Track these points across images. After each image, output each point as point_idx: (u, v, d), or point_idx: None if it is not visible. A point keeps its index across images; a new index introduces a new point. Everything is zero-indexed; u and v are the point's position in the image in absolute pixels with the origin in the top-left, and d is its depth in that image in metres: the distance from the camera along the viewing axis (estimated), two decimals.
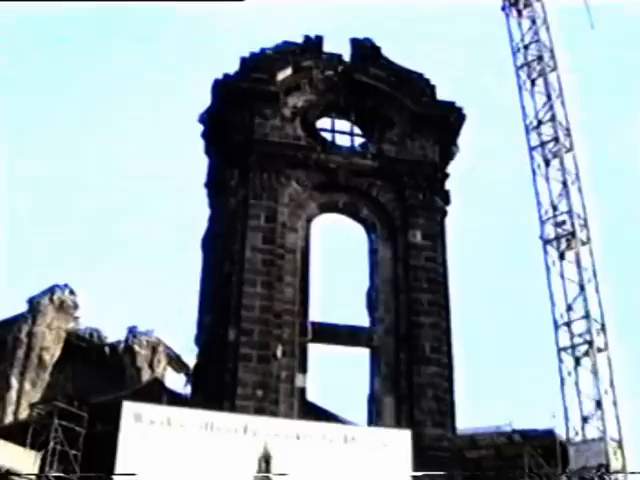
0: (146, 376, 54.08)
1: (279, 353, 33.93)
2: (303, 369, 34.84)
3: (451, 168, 42.72)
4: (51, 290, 56.79)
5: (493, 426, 46.93)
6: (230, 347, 33.83)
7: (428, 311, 37.60)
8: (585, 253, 43.95)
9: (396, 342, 36.78)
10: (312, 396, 35.63)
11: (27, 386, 53.04)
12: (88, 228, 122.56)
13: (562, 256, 44.31)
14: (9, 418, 50.36)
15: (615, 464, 40.98)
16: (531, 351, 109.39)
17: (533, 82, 45.64)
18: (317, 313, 36.75)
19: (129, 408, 23.05)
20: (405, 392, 35.86)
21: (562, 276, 44.78)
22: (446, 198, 41.30)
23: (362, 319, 38.15)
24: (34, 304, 55.79)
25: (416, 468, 24.31)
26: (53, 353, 54.84)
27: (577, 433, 42.66)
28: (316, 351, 36.11)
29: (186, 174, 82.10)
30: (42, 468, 31.68)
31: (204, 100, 41.97)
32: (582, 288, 44.00)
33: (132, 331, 58.50)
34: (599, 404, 42.16)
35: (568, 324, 43.98)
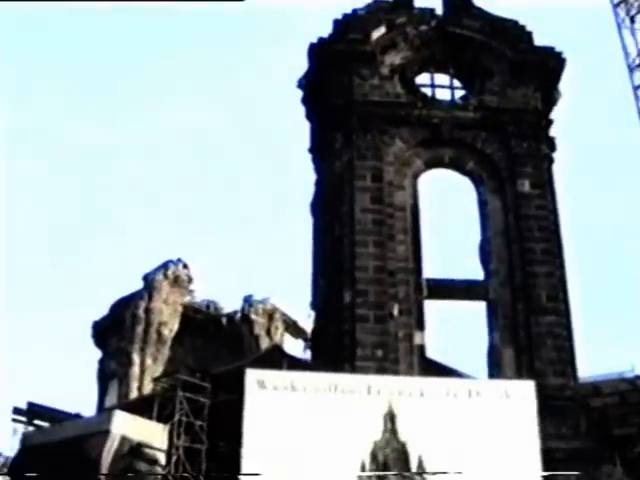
0: (264, 344, 54.71)
1: (395, 312, 33.91)
2: (420, 326, 34.78)
3: (555, 114, 42.05)
4: (165, 266, 57.76)
5: (616, 373, 46.30)
6: (346, 309, 33.94)
7: (542, 260, 37.18)
8: None
9: (512, 293, 36.48)
10: (431, 353, 35.58)
11: (148, 361, 54.11)
12: (196, 202, 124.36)
13: None
14: (134, 394, 51.47)
15: None
16: None
17: (632, 19, 44.66)
18: (431, 269, 36.62)
19: (252, 375, 23.30)
20: (524, 343, 35.58)
21: None
22: (552, 145, 40.70)
23: (476, 272, 37.90)
24: (149, 281, 56.82)
25: (540, 419, 24.09)
26: (171, 327, 55.83)
27: None
28: (432, 307, 36.04)
29: (289, 138, 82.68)
30: (170, 440, 32.33)
31: (302, 67, 42.02)
32: None
33: (248, 300, 59.18)
34: None
35: None
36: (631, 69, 45.05)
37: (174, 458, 32.37)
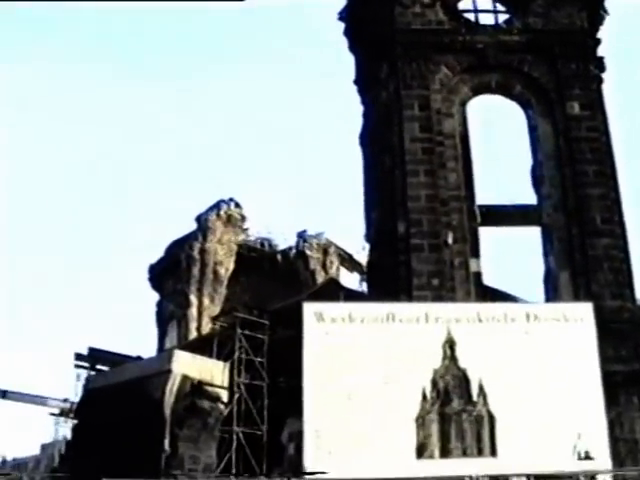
0: (320, 279, 54.91)
1: (450, 240, 33.80)
2: (476, 254, 34.65)
3: (602, 33, 41.29)
4: (217, 206, 58.03)
5: None
6: (400, 240, 33.88)
7: (595, 182, 36.79)
8: None
9: (566, 217, 36.18)
10: (487, 280, 35.54)
11: (206, 301, 54.60)
12: (246, 141, 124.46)
13: None
14: (192, 334, 52.06)
15: None
16: None
17: None
18: (483, 196, 36.44)
19: (309, 308, 23.35)
20: (580, 266, 35.36)
21: None
22: (600, 65, 39.96)
23: (529, 197, 37.66)
24: (202, 221, 57.12)
25: (599, 341, 24.01)
26: (227, 267, 56.22)
27: None
28: (487, 234, 35.93)
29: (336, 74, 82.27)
30: (231, 378, 32.69)
31: None
32: None
33: (302, 236, 59.35)
34: None
35: None
36: None
37: (236, 395, 32.81)
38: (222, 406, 32.50)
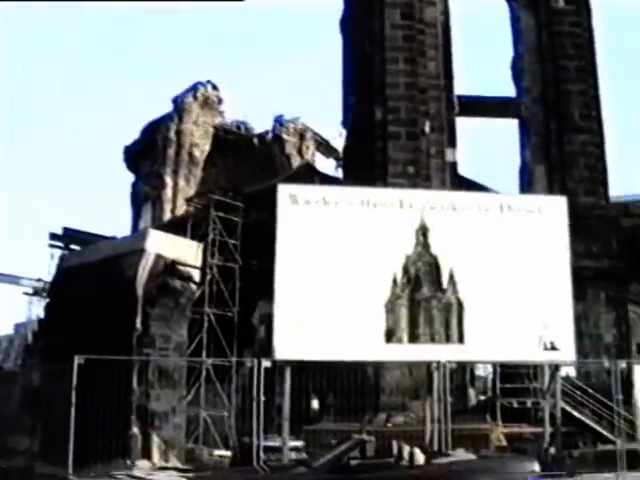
0: (296, 163, 54.80)
1: (427, 129, 33.71)
2: (452, 143, 34.63)
3: None
4: (194, 87, 57.34)
5: None
6: (378, 126, 33.78)
7: (575, 78, 36.67)
8: None
9: (545, 111, 36.16)
10: (463, 170, 35.57)
11: (181, 183, 54.38)
12: (224, 23, 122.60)
13: None
14: (167, 216, 51.97)
15: None
16: None
17: None
18: (463, 86, 36.23)
19: (284, 190, 23.20)
20: (556, 161, 35.48)
21: None
22: None
23: (509, 90, 37.52)
24: (179, 103, 56.52)
25: (571, 237, 24.11)
26: (203, 149, 55.86)
27: None
28: (464, 125, 35.85)
29: None
30: (204, 259, 32.75)
31: None
32: None
33: (279, 120, 58.94)
34: None
35: None
36: None
37: (208, 277, 32.90)
38: (194, 286, 32.52)
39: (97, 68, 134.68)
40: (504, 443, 27.24)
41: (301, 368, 24.96)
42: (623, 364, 24.02)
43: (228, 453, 26.19)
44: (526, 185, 35.53)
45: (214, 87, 57.98)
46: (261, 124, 58.64)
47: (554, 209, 24.40)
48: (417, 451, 16.27)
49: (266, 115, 58.90)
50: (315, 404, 32.24)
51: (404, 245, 22.68)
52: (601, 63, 37.96)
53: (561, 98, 36.20)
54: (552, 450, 22.90)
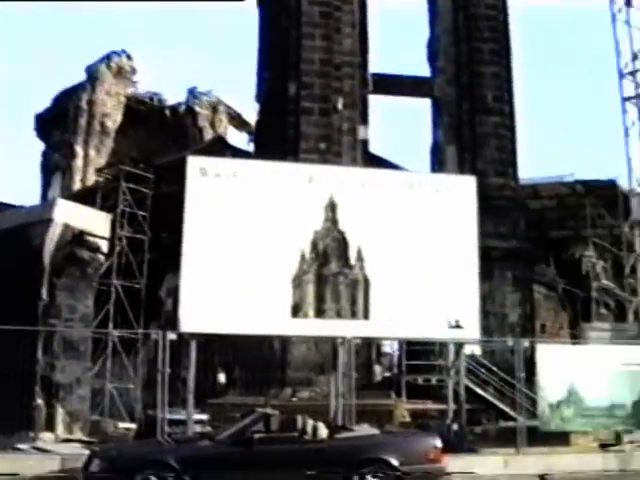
0: (208, 136, 54.54)
1: (340, 105, 33.77)
2: (364, 121, 34.75)
3: None
4: (108, 57, 56.55)
5: (556, 176, 46.97)
6: (291, 101, 33.75)
7: (489, 60, 37.06)
8: None
9: (458, 92, 36.46)
10: (374, 148, 35.73)
11: (92, 153, 53.71)
12: None
13: (629, 3, 43.04)
14: (77, 186, 51.34)
15: None
16: (595, 102, 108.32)
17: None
18: (377, 64, 36.34)
19: (194, 163, 22.98)
20: (468, 142, 35.83)
21: (628, 23, 43.62)
22: None
23: (423, 70, 37.73)
24: (92, 72, 55.70)
25: (479, 217, 24.33)
26: (115, 119, 55.20)
27: None
28: (377, 103, 35.99)
29: None
30: (113, 231, 32.42)
31: None
32: None
33: (192, 92, 58.54)
34: None
35: (633, 73, 43.20)
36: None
37: (117, 248, 32.63)
38: (102, 257, 32.21)
39: (13, 34, 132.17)
40: (408, 419, 27.58)
41: (208, 341, 24.94)
42: (526, 343, 24.35)
43: (133, 426, 26.06)
44: (437, 165, 35.82)
45: (128, 57, 57.25)
46: (174, 96, 58.24)
47: (463, 189, 24.57)
48: (321, 426, 16.30)
49: (180, 85, 58.49)
50: (221, 378, 32.26)
51: (313, 220, 22.65)
52: (515, 47, 38.39)
53: (474, 80, 36.54)
54: (455, 426, 23.17)
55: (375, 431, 17.43)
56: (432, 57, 37.69)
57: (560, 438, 22.77)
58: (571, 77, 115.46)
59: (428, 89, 37.16)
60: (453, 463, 17.61)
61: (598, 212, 46.94)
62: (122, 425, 27.20)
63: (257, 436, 15.57)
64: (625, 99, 43.38)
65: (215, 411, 25.88)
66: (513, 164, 36.66)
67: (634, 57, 43.08)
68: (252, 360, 29.54)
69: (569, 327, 43.73)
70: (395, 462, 15.39)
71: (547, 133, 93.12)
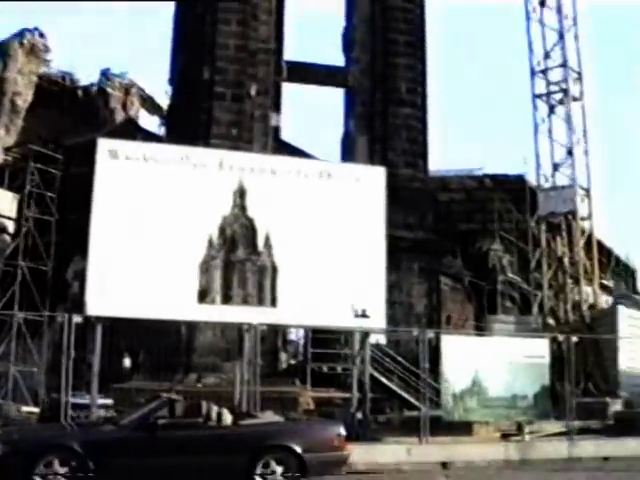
0: (119, 118, 53.88)
1: (253, 92, 33.66)
2: (277, 108, 34.76)
3: None
4: (20, 34, 55.37)
5: (465, 169, 47.52)
6: (204, 86, 33.55)
7: (404, 52, 37.24)
8: None
9: (372, 82, 36.58)
10: (286, 135, 35.78)
11: (1, 132, 52.64)
12: None
13: (543, 3, 43.72)
14: None
15: (582, 211, 41.92)
16: (507, 98, 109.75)
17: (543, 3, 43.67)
18: (292, 52, 36.33)
19: (104, 145, 22.75)
20: (379, 133, 35.99)
21: (542, 23, 44.32)
22: None
23: (338, 59, 37.79)
24: (3, 49, 54.57)
25: (389, 207, 24.51)
26: (25, 98, 54.08)
27: (547, 180, 43.43)
28: (291, 90, 36.01)
29: None
30: (20, 211, 31.96)
31: None
32: (561, 36, 43.70)
33: (105, 73, 57.69)
34: (570, 152, 42.67)
35: (545, 71, 43.93)
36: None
37: (24, 229, 32.16)
38: (8, 238, 31.86)
39: None
40: (312, 407, 27.70)
41: (113, 325, 24.74)
42: (431, 334, 24.59)
43: (37, 409, 25.73)
44: (348, 154, 35.90)
45: (41, 35, 56.11)
46: (87, 76, 57.37)
47: (373, 179, 24.74)
48: (225, 412, 16.27)
49: (93, 66, 57.68)
50: (126, 362, 32.05)
51: (222, 206, 22.62)
52: (430, 40, 38.64)
53: (389, 71, 36.73)
54: (359, 415, 23.36)
55: (279, 418, 17.46)
56: (347, 47, 37.74)
57: (463, 428, 23.06)
58: (486, 72, 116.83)
59: (342, 79, 37.22)
60: (356, 451, 17.76)
61: (506, 206, 47.62)
62: (25, 409, 26.78)
63: (161, 421, 15.50)
64: (536, 96, 44.15)
65: (120, 396, 25.71)
66: (423, 156, 36.94)
67: (546, 55, 43.85)
68: (158, 345, 29.41)
69: (474, 319, 44.35)
70: (299, 449, 15.43)
71: (459, 127, 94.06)
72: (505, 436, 23.53)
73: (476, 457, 21.11)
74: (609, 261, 49.82)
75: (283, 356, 34.54)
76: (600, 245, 45.47)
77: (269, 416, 17.57)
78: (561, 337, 26.61)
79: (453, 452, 21.07)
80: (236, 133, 32.58)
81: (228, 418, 16.21)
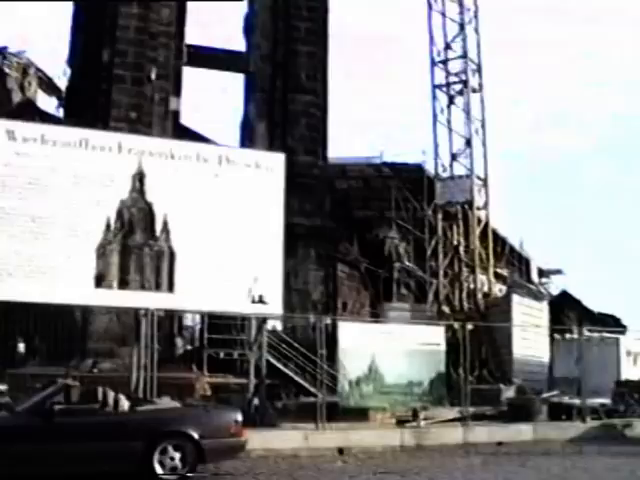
0: (17, 99, 52.78)
1: (153, 75, 33.25)
2: (177, 92, 34.42)
3: None
4: None
5: (363, 157, 47.81)
6: (104, 68, 33.06)
7: (306, 39, 37.20)
8: None
9: (272, 69, 36.52)
10: (186, 120, 35.51)
11: None
12: None
13: None
14: None
15: (479, 200, 42.70)
16: (407, 88, 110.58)
17: None
18: (194, 36, 35.99)
19: (1, 126, 22.24)
20: (279, 119, 35.97)
21: (443, 14, 44.89)
22: None
23: (239, 44, 37.60)
24: None
25: (286, 194, 24.55)
26: None
27: (445, 169, 44.18)
28: (191, 75, 35.72)
29: None
30: None
31: None
32: (462, 27, 44.34)
33: (2, 52, 56.46)
34: (469, 143, 43.45)
35: (445, 62, 44.56)
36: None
37: None
38: None
39: None
40: (209, 393, 27.64)
41: (7, 310, 24.34)
42: (328, 320, 24.80)
43: None
44: (247, 140, 35.77)
45: None
46: None
47: (272, 165, 24.73)
48: (122, 398, 16.15)
49: None
50: (21, 347, 31.57)
51: (120, 190, 22.33)
52: (332, 27, 38.64)
53: (290, 57, 36.67)
54: (256, 401, 23.37)
55: (176, 404, 17.41)
56: (248, 32, 37.57)
57: (359, 414, 23.36)
58: (390, 61, 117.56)
59: (243, 64, 37.04)
60: (254, 437, 17.81)
61: (403, 195, 48.11)
62: None
63: (57, 407, 15.29)
64: (436, 86, 44.82)
65: (14, 381, 25.22)
66: (323, 143, 37.02)
67: (447, 47, 44.49)
68: (53, 330, 28.98)
69: (370, 306, 44.81)
70: (196, 435, 15.39)
71: (361, 115, 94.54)
72: (401, 422, 23.84)
73: (372, 443, 21.40)
74: (504, 250, 50.76)
75: (179, 342, 34.39)
76: (495, 234, 46.38)
77: (166, 402, 17.52)
78: (457, 325, 27.06)
79: (350, 438, 21.33)
80: (135, 116, 32.20)
81: (125, 404, 16.08)
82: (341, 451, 20.53)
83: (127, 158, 22.53)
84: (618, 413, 27.40)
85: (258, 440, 18.70)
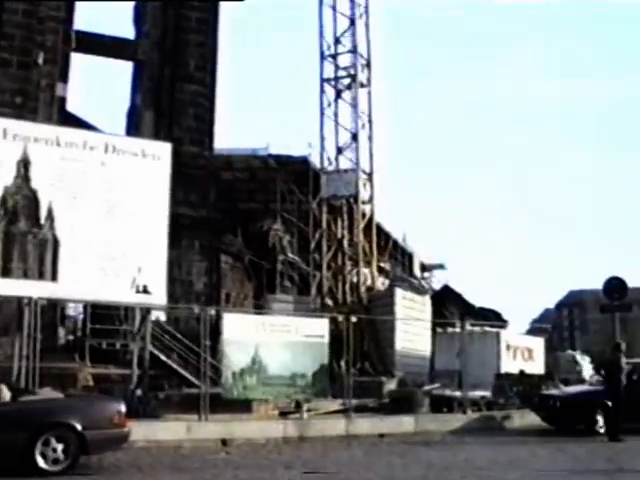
0: None
1: (40, 60, 32.56)
2: (64, 78, 33.80)
3: None
4: None
5: (250, 149, 47.81)
6: None
7: (196, 29, 36.95)
8: None
9: (161, 57, 36.16)
10: (72, 107, 34.96)
11: None
12: None
13: None
14: None
15: (364, 195, 43.16)
16: (295, 81, 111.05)
17: None
18: (82, 22, 35.42)
19: None
20: (166, 108, 35.69)
21: (334, 8, 45.15)
22: None
23: (128, 32, 37.19)
24: None
25: (172, 184, 24.49)
26: None
27: (331, 163, 44.51)
28: (79, 61, 35.13)
29: None
30: None
31: None
32: (352, 22, 44.66)
33: None
34: (355, 137, 43.86)
35: (334, 56, 44.86)
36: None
37: None
38: None
39: None
40: (92, 383, 27.39)
41: None
42: (212, 311, 24.80)
43: None
44: (134, 129, 35.32)
45: None
46: None
47: (158, 154, 24.77)
48: (3, 388, 15.88)
49: None
50: None
51: (4, 176, 22.05)
52: (223, 18, 38.45)
53: (179, 47, 36.37)
54: (139, 392, 23.29)
55: (59, 395, 17.21)
56: (138, 20, 37.15)
57: (243, 406, 23.44)
58: (280, 54, 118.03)
59: (131, 52, 36.58)
60: (137, 428, 17.75)
61: (288, 187, 48.26)
62: None
63: None
64: (324, 80, 45.08)
65: None
66: (209, 134, 36.82)
67: (336, 41, 44.80)
68: None
69: (254, 297, 44.85)
70: (79, 426, 15.23)
71: (249, 107, 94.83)
72: (284, 414, 24.03)
73: (255, 434, 21.54)
74: (387, 244, 51.38)
75: (61, 332, 33.87)
76: (379, 229, 46.92)
77: (48, 393, 17.29)
78: (341, 317, 27.32)
79: (233, 429, 21.44)
80: (21, 102, 31.45)
81: (7, 395, 15.84)
82: (224, 442, 20.60)
83: (12, 144, 22.22)
84: (498, 405, 28.12)
85: (141, 431, 18.65)
